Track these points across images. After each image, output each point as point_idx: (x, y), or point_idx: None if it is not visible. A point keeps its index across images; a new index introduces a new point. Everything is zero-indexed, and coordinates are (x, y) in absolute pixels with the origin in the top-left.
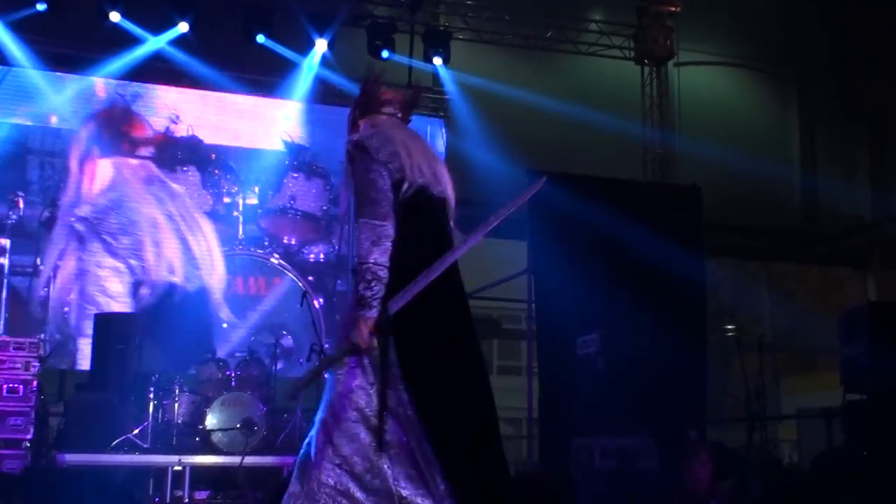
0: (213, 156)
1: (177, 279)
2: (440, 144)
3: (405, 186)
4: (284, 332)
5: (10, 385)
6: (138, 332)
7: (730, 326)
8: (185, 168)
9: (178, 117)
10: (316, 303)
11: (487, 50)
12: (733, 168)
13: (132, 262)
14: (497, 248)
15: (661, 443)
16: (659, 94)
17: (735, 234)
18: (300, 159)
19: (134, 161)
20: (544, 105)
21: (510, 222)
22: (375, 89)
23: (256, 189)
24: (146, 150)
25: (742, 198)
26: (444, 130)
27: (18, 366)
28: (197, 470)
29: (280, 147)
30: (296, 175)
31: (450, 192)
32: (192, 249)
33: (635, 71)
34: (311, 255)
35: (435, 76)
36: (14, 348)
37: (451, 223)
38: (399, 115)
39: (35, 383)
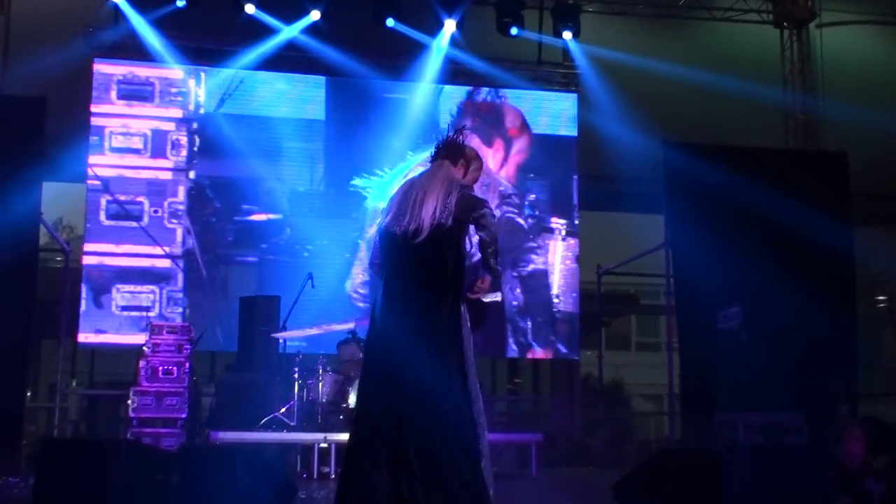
0: None
1: None
2: (570, 121)
3: None
4: None
5: (165, 367)
6: (281, 314)
7: (881, 297)
8: None
9: None
10: None
11: (618, 21)
12: (882, 131)
13: None
14: (633, 223)
15: (810, 418)
16: (800, 58)
17: (885, 201)
18: None
19: None
20: (679, 75)
21: (645, 195)
22: None
23: None
24: None
25: (892, 162)
26: (576, 105)
27: (172, 348)
28: (341, 446)
29: None
30: None
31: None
32: None
33: (774, 35)
34: None
35: (565, 51)
36: (168, 332)
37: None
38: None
39: (188, 365)
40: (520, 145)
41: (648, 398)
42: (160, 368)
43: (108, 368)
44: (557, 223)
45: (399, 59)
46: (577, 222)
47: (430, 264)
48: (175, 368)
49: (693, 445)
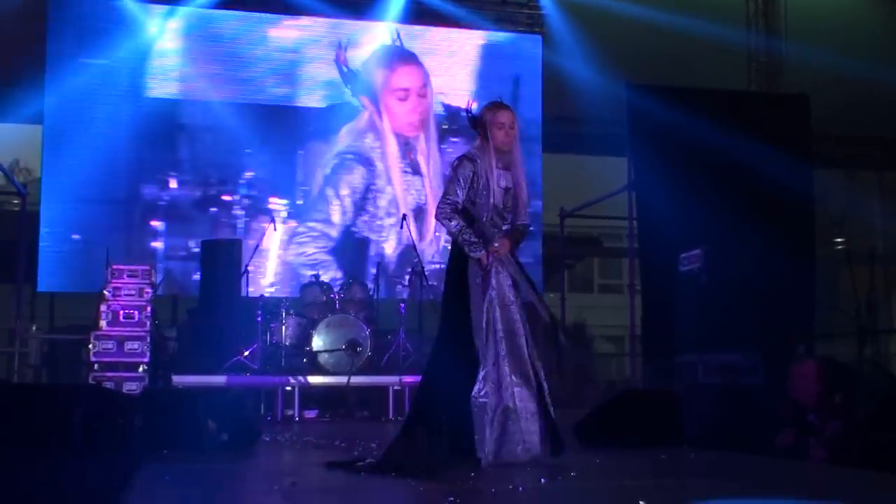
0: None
1: None
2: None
3: None
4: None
5: (126, 311)
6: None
7: (839, 239)
8: None
9: None
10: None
11: None
12: (844, 74)
13: None
14: (596, 165)
15: (768, 359)
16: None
17: (845, 144)
18: None
19: None
20: (642, 15)
21: (609, 138)
22: None
23: None
24: None
25: (853, 105)
26: (540, 47)
27: (133, 292)
28: (305, 389)
29: None
30: None
31: None
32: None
33: None
34: None
35: None
36: (128, 276)
37: None
38: None
39: (149, 309)
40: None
41: (610, 340)
42: (121, 312)
43: (69, 313)
44: None
45: None
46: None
47: None
48: (136, 312)
49: (653, 386)
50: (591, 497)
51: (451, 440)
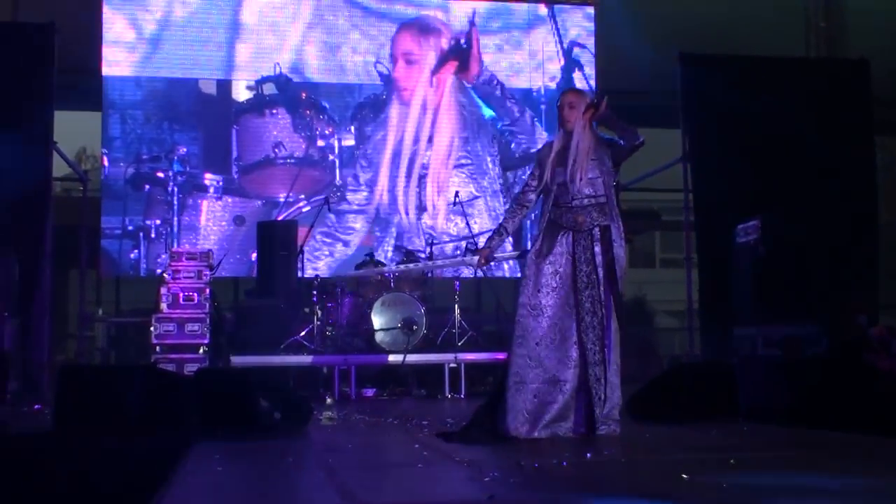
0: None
1: None
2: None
3: None
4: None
5: (186, 293)
6: (299, 239)
7: None
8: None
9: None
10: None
11: None
12: None
13: None
14: (650, 137)
15: (829, 330)
16: None
17: None
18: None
19: None
20: None
21: (662, 109)
22: None
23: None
24: None
25: None
26: (593, 19)
27: (192, 275)
28: (362, 368)
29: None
30: None
31: None
32: None
33: None
34: None
35: None
36: (187, 258)
37: None
38: None
39: (208, 291)
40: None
41: (673, 314)
42: (181, 295)
43: (135, 297)
44: None
45: None
46: None
47: None
48: (196, 294)
49: (711, 359)
50: (634, 471)
51: (490, 414)
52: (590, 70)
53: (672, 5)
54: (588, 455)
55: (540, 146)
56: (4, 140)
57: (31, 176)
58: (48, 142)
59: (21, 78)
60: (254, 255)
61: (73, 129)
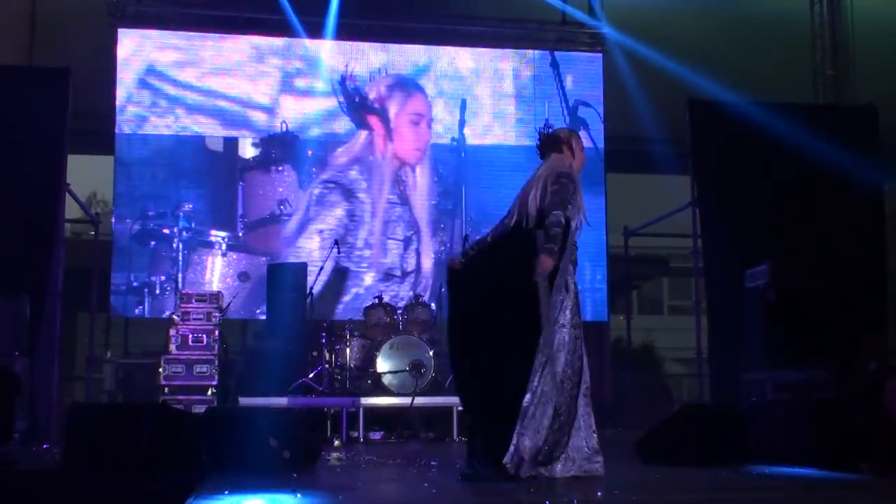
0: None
1: None
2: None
3: None
4: None
5: (196, 335)
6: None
7: None
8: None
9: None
10: None
11: None
12: None
13: None
14: (658, 184)
15: (839, 375)
16: (830, 11)
17: None
18: None
19: None
20: (705, 31)
21: (671, 156)
22: None
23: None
24: None
25: None
26: (602, 65)
27: (202, 316)
28: (370, 411)
29: None
30: None
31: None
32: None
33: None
34: None
35: (591, 6)
36: (197, 300)
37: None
38: None
39: (217, 333)
40: None
41: (681, 362)
42: (190, 337)
43: (143, 339)
44: None
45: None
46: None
47: None
48: (205, 336)
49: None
50: None
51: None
52: (596, 128)
53: (680, 52)
54: (598, 493)
55: None
56: (18, 182)
57: (44, 218)
58: (61, 184)
59: (36, 121)
60: (258, 311)
61: (84, 173)
